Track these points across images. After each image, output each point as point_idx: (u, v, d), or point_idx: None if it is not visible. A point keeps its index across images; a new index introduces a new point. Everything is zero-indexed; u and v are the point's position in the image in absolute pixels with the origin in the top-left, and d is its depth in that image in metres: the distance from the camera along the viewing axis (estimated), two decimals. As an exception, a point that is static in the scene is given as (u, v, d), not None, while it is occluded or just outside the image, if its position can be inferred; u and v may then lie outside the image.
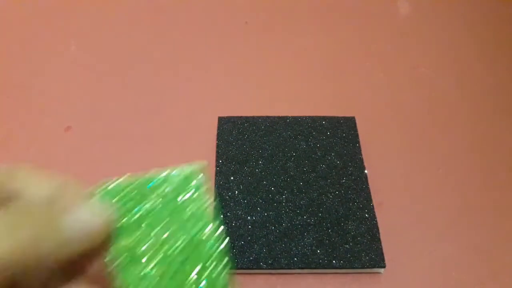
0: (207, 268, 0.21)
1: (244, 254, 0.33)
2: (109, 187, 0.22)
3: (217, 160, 0.38)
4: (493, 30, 0.53)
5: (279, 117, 0.42)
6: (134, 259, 0.21)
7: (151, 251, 0.21)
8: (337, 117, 0.42)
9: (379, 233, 0.35)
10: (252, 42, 0.51)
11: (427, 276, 0.34)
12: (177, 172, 0.23)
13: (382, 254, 0.34)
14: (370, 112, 0.44)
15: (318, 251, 0.34)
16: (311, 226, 0.35)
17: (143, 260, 0.21)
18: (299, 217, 0.35)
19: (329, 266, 0.33)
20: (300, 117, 0.42)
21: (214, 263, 0.21)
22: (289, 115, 0.42)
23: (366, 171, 0.38)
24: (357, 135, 0.41)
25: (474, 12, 0.55)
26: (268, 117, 0.42)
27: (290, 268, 0.33)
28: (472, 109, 0.45)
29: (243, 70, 0.48)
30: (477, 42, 0.51)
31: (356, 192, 0.37)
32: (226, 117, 0.41)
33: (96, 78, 0.47)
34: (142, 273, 0.21)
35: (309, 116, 0.42)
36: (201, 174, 0.22)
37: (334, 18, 0.53)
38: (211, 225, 0.21)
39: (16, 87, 0.46)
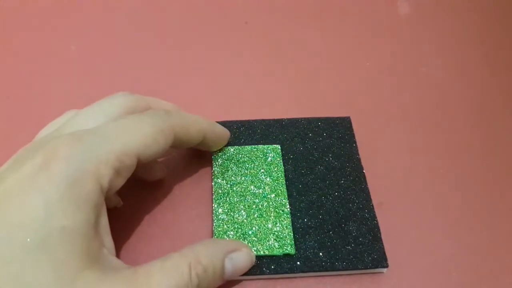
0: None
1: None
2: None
3: (213, 166, 0.38)
4: (494, 30, 0.53)
5: (274, 120, 0.41)
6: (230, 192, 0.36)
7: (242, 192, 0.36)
8: (332, 117, 0.42)
9: (380, 233, 0.35)
10: (252, 43, 0.50)
11: (427, 276, 0.34)
12: (262, 146, 0.39)
13: (385, 254, 0.34)
14: (367, 112, 0.44)
15: (321, 253, 0.34)
16: (312, 229, 0.35)
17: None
18: (300, 220, 0.35)
19: (332, 268, 0.33)
20: (295, 119, 0.42)
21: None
22: (285, 117, 0.42)
23: (364, 171, 0.38)
24: (353, 135, 0.41)
25: (474, 12, 0.55)
26: (263, 120, 0.41)
27: (293, 272, 0.33)
28: (472, 109, 0.45)
29: (242, 72, 0.48)
30: (477, 42, 0.51)
31: (355, 193, 0.37)
32: (221, 122, 0.41)
33: (96, 78, 0.46)
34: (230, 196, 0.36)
35: (305, 118, 0.42)
36: (279, 146, 0.39)
37: (333, 18, 0.53)
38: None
39: (16, 87, 0.46)
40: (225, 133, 0.38)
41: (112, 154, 0.27)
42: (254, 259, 0.32)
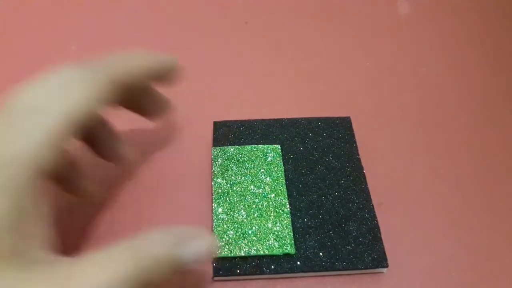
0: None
1: (247, 260, 0.33)
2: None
3: (213, 166, 0.38)
4: (493, 30, 0.53)
5: (274, 120, 0.42)
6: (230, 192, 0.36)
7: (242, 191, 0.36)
8: (333, 117, 0.42)
9: (380, 233, 0.35)
10: (252, 43, 0.50)
11: (427, 276, 0.34)
12: (262, 146, 0.39)
13: (385, 254, 0.34)
14: (367, 112, 0.44)
15: (321, 253, 0.34)
16: (312, 229, 0.35)
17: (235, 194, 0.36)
18: (300, 220, 0.35)
19: (332, 268, 0.33)
20: (295, 119, 0.42)
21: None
22: (285, 117, 0.42)
23: (364, 171, 0.38)
24: (353, 135, 0.41)
25: (474, 12, 0.55)
26: (263, 120, 0.42)
27: (294, 272, 0.33)
28: (472, 108, 0.45)
29: (242, 71, 0.48)
30: (477, 42, 0.51)
31: (355, 193, 0.37)
32: (222, 121, 0.41)
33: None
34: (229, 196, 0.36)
35: (305, 118, 0.42)
36: (279, 146, 0.39)
37: (333, 18, 0.53)
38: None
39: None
40: (171, 60, 0.33)
41: (45, 133, 0.24)
42: (213, 246, 0.27)
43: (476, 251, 0.36)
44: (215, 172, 0.37)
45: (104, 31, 0.51)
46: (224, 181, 0.37)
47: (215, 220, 0.35)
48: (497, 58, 0.50)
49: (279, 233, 0.34)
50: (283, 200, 0.36)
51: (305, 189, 0.37)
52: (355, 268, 0.33)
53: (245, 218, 0.35)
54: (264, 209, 0.35)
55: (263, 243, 0.33)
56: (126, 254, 0.23)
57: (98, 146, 0.35)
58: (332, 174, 0.38)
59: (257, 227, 0.34)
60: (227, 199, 0.36)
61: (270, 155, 0.38)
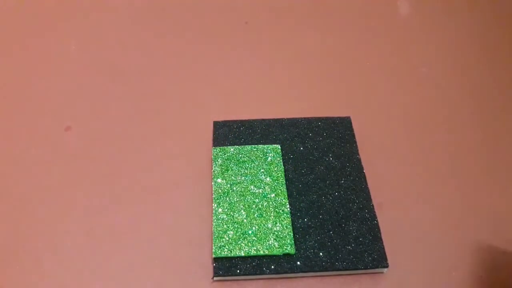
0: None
1: (247, 260, 0.33)
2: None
3: (213, 166, 0.38)
4: (493, 29, 0.53)
5: (274, 120, 0.42)
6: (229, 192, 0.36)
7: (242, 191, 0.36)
8: (333, 117, 0.42)
9: (380, 233, 0.35)
10: (252, 43, 0.50)
11: (427, 276, 0.34)
12: (262, 146, 0.39)
13: (385, 254, 0.34)
14: (367, 112, 0.44)
15: (321, 253, 0.34)
16: (312, 229, 0.35)
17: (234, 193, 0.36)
18: (300, 220, 0.35)
19: (333, 268, 0.33)
20: (295, 118, 0.42)
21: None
22: (285, 117, 0.42)
23: (364, 171, 0.38)
24: (353, 135, 0.41)
25: (474, 12, 0.55)
26: (263, 120, 0.41)
27: (294, 272, 0.33)
28: (472, 108, 0.45)
29: (242, 71, 0.48)
30: (477, 42, 0.52)
31: (355, 193, 0.37)
32: (222, 121, 0.41)
33: (96, 78, 0.47)
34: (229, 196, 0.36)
35: (305, 118, 0.42)
36: (279, 146, 0.39)
37: (334, 18, 0.53)
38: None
39: (16, 87, 0.46)
40: None
41: None
42: None
43: (476, 251, 0.36)
44: (215, 172, 0.37)
45: (104, 31, 0.51)
46: (224, 181, 0.37)
47: (215, 220, 0.35)
48: (497, 58, 0.50)
49: (279, 233, 0.34)
50: (283, 200, 0.36)
51: (305, 189, 0.37)
52: (355, 268, 0.33)
53: (245, 218, 0.35)
54: (264, 209, 0.35)
55: (263, 243, 0.33)
56: None
57: None
58: (332, 174, 0.38)
59: (257, 227, 0.34)
60: (227, 199, 0.36)
61: (270, 155, 0.38)
